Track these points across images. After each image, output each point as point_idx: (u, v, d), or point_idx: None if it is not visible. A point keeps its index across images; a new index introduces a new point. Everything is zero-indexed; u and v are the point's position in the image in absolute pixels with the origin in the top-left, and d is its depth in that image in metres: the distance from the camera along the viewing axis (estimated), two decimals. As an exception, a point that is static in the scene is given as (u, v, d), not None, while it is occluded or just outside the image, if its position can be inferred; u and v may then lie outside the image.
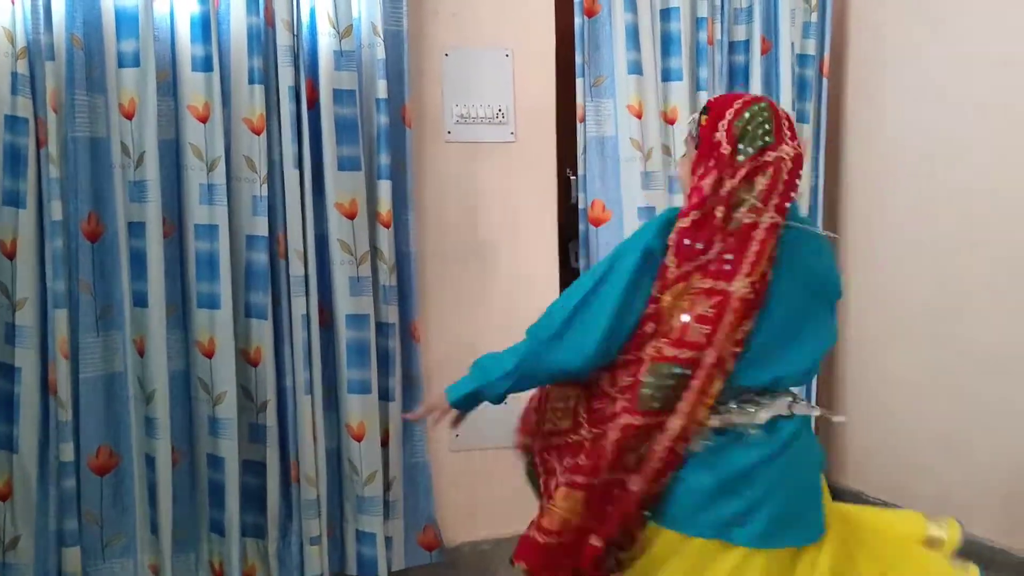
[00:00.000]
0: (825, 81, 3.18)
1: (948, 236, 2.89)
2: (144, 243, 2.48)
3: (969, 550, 2.83)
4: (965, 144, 2.83)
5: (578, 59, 2.96)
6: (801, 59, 3.12)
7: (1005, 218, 2.70)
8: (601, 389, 1.76)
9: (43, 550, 2.43)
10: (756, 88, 3.07)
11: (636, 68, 2.93)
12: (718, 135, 1.69)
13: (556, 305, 1.77)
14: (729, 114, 1.69)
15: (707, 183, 1.67)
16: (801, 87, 3.13)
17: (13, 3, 2.32)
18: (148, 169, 2.46)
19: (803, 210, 3.16)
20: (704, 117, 1.73)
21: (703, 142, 1.71)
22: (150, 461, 2.54)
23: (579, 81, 2.97)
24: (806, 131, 3.17)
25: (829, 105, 3.24)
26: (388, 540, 2.80)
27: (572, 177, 3.05)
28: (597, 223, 2.98)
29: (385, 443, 2.79)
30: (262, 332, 2.61)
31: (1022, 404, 2.66)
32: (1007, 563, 2.74)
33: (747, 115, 1.69)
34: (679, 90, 2.99)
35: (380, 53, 2.67)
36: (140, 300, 2.49)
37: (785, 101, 3.09)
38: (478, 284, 2.97)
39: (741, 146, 1.67)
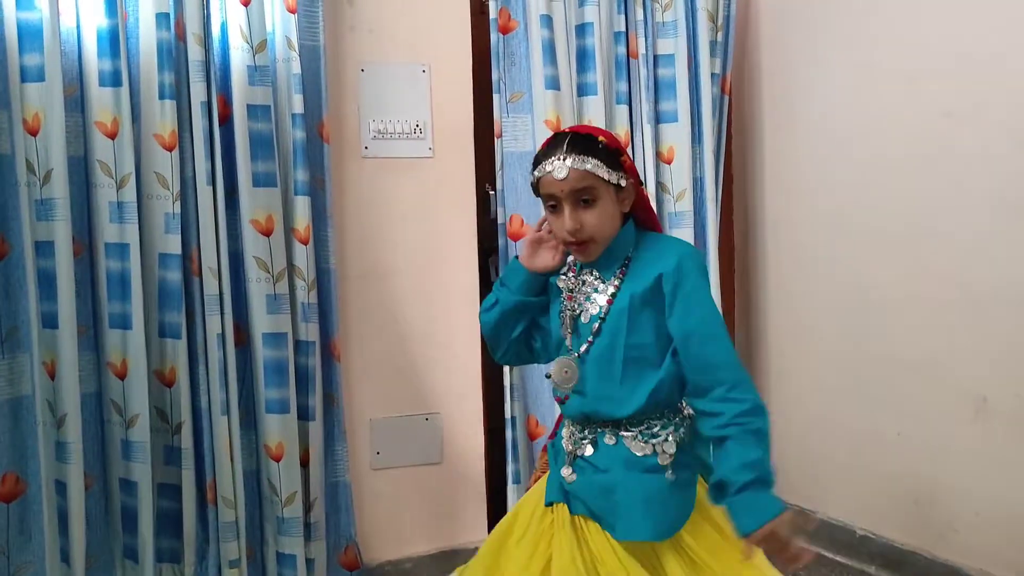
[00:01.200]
0: (726, 99, 3.26)
1: (861, 246, 2.99)
2: (53, 262, 2.40)
3: (881, 552, 2.94)
4: (872, 158, 2.93)
5: (494, 75, 2.98)
6: (711, 77, 3.18)
7: (916, 226, 2.79)
8: None
9: (-54, 583, 2.33)
10: (684, 102, 3.13)
11: (554, 83, 2.96)
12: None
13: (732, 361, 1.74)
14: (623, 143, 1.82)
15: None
16: (711, 104, 3.19)
17: (-92, 15, 2.24)
18: (56, 187, 2.39)
19: (711, 224, 3.23)
20: (623, 157, 1.75)
21: (636, 174, 1.79)
22: (60, 487, 2.45)
23: (496, 97, 2.99)
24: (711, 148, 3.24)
25: (735, 123, 3.33)
26: (310, 562, 2.76)
27: (491, 192, 3.06)
28: (515, 237, 3.00)
29: (305, 463, 2.75)
30: (176, 352, 2.56)
31: (932, 407, 2.76)
32: (916, 564, 2.83)
33: None
34: (595, 104, 3.04)
35: (296, 68, 2.65)
36: (49, 321, 2.42)
37: (707, 118, 3.16)
38: (398, 300, 2.97)
39: None
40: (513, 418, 3.03)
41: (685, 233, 3.16)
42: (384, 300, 2.95)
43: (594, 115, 3.03)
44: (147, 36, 2.51)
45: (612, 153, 1.73)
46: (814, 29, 3.13)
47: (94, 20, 2.47)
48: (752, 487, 1.59)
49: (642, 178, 3.10)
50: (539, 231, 1.86)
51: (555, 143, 1.74)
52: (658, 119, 3.16)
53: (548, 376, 1.82)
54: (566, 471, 1.80)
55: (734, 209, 3.42)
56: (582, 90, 3.05)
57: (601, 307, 1.76)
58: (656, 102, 3.15)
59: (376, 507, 2.96)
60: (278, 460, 2.68)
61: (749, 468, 1.60)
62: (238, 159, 2.61)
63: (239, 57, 2.60)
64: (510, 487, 3.05)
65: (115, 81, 2.46)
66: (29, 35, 2.37)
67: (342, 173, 2.87)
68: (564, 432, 1.87)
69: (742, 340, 3.47)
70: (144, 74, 2.52)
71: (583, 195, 1.71)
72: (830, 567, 3.04)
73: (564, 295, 1.82)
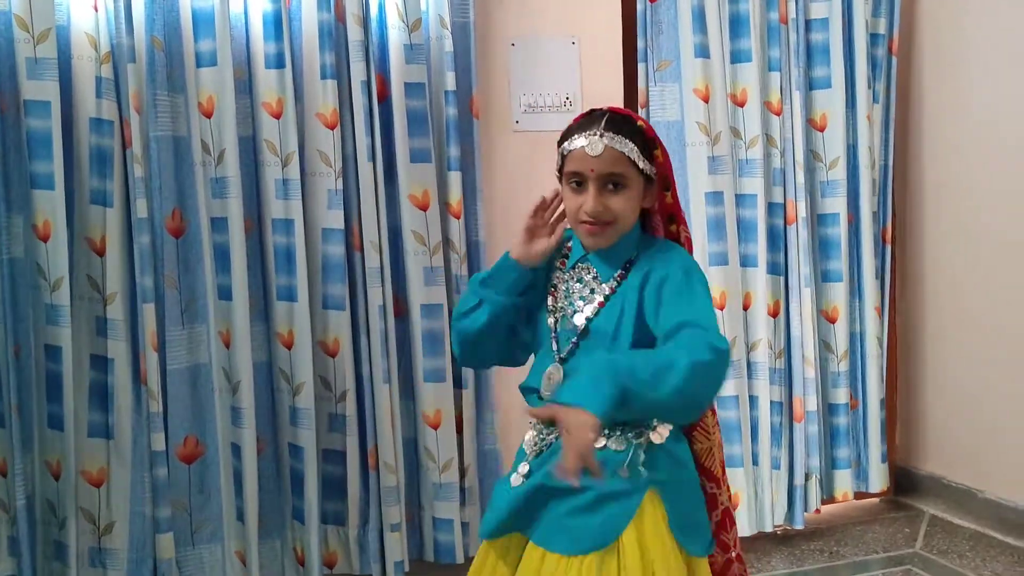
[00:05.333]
0: (894, 60, 3.14)
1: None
2: (227, 238, 2.55)
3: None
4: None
5: (640, 44, 2.96)
6: (872, 38, 3.08)
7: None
8: None
9: (137, 535, 2.51)
10: (838, 67, 3.04)
11: (703, 51, 2.92)
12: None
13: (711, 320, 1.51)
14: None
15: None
16: (872, 67, 3.10)
17: (96, 9, 2.40)
18: (228, 166, 2.53)
19: (865, 193, 3.12)
20: (657, 151, 1.60)
21: (670, 172, 1.64)
22: (235, 450, 2.61)
23: (641, 66, 2.97)
24: (876, 111, 3.14)
25: (899, 84, 3.20)
26: (465, 526, 2.83)
27: (640, 163, 3.04)
28: (661, 208, 2.98)
29: (460, 429, 2.82)
30: (340, 323, 2.67)
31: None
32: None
33: None
34: (748, 71, 2.98)
35: (448, 45, 2.70)
36: (224, 293, 2.57)
37: (860, 81, 3.07)
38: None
39: None
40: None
41: (837, 203, 3.08)
42: (535, 272, 2.98)
43: (748, 82, 2.98)
44: (309, 18, 2.61)
45: (648, 142, 1.59)
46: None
47: (260, 5, 2.58)
48: (602, 374, 1.37)
49: (780, 150, 3.03)
50: (533, 218, 1.66)
51: (591, 118, 1.59)
52: (810, 85, 3.08)
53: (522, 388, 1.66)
54: (522, 470, 1.61)
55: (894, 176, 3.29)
56: (735, 57, 3.00)
57: (594, 309, 1.60)
58: (808, 68, 3.07)
59: (529, 475, 3.01)
60: (435, 428, 2.76)
61: (620, 364, 1.40)
62: (396, 136, 2.68)
63: (396, 36, 2.67)
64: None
65: (279, 63, 2.56)
66: (202, 22, 2.51)
67: (493, 148, 2.91)
68: (526, 437, 1.67)
69: (900, 312, 3.35)
70: (307, 55, 2.62)
71: (613, 179, 1.55)
72: (999, 548, 2.92)
73: (549, 293, 1.67)
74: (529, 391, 1.67)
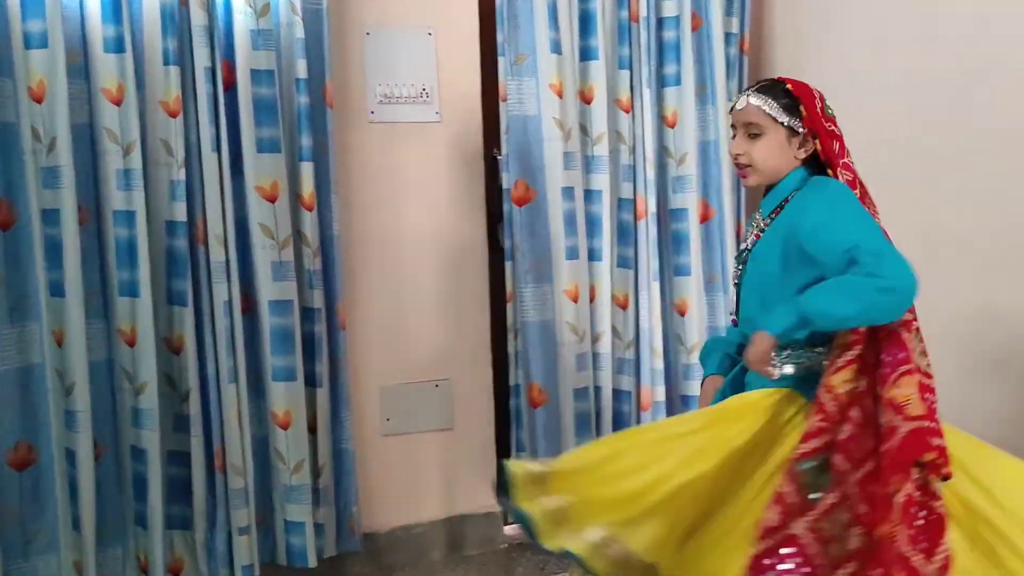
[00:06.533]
0: (746, 59, 3.23)
1: (880, 202, 2.94)
2: (59, 231, 2.40)
3: None
4: (887, 121, 2.87)
5: (499, 37, 2.95)
6: (725, 37, 3.15)
7: (932, 185, 2.72)
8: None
9: (-38, 550, 2.35)
10: (688, 65, 3.09)
11: (556, 47, 2.93)
12: (828, 117, 1.93)
13: (873, 245, 1.73)
14: (817, 98, 1.93)
15: (850, 162, 1.93)
16: (727, 66, 3.16)
17: (-92, -19, 2.22)
18: (61, 154, 2.38)
19: (726, 188, 3.19)
20: (802, 107, 1.89)
21: (818, 126, 1.89)
22: (70, 455, 2.46)
23: (500, 60, 2.96)
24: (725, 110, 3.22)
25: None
26: (319, 527, 2.77)
27: (499, 156, 3.04)
28: (520, 203, 2.98)
29: (313, 429, 2.76)
30: (184, 319, 2.56)
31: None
32: None
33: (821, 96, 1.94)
34: (596, 69, 3.01)
35: (299, 32, 2.63)
36: (57, 290, 2.42)
37: (719, 80, 3.13)
38: (406, 267, 2.96)
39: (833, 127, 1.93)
40: (517, 386, 3.04)
41: (688, 198, 3.15)
42: (392, 267, 2.95)
43: (596, 80, 3.01)
44: (150, 1, 2.49)
45: (794, 100, 1.90)
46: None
47: (95, -16, 2.45)
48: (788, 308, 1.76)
49: (630, 146, 3.08)
50: None
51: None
52: (662, 83, 3.13)
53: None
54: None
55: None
56: (584, 54, 3.03)
57: (752, 240, 1.96)
58: (660, 65, 3.12)
59: (387, 473, 2.98)
60: (285, 428, 2.68)
61: (807, 297, 1.75)
62: (242, 125, 2.59)
63: (242, 21, 2.58)
64: (514, 455, 3.05)
65: (119, 47, 2.44)
66: (31, 0, 2.35)
67: (348, 138, 2.85)
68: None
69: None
70: (148, 40, 2.50)
71: (751, 128, 1.91)
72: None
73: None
74: None
